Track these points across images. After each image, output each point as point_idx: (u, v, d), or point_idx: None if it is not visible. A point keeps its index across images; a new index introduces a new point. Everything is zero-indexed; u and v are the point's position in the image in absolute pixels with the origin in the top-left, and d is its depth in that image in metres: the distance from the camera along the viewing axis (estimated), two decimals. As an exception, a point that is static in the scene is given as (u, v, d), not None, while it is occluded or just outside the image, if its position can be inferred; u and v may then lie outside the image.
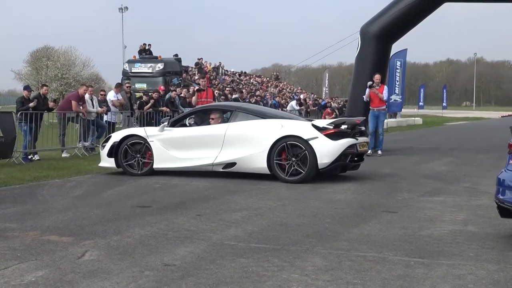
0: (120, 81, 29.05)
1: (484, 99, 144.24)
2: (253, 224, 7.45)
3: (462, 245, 6.42)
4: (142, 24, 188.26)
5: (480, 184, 11.43)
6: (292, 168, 11.32)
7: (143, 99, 21.05)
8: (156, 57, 38.02)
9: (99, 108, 18.18)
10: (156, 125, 17.87)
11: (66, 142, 17.10)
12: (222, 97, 26.59)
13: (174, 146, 12.24)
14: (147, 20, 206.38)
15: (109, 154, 12.61)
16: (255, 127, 11.78)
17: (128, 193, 10.05)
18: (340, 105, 38.19)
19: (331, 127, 11.50)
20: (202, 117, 13.06)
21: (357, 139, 11.71)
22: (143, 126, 18.57)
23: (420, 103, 56.42)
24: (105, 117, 18.82)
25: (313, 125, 11.55)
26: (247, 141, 11.70)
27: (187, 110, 18.63)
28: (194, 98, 17.41)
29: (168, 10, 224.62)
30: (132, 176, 12.14)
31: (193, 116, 13.11)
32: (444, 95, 65.13)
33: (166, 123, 12.62)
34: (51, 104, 16.73)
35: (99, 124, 18.23)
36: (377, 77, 17.66)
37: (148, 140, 12.35)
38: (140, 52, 40.18)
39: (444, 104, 65.29)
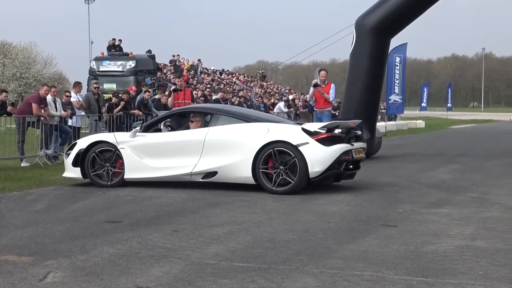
0: (83, 80, 28.95)
1: (494, 99, 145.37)
2: (237, 241, 7.44)
3: (470, 262, 6.45)
4: (111, 16, 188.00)
5: (489, 194, 11.49)
6: (280, 177, 11.33)
7: (113, 101, 21.01)
8: (127, 54, 37.98)
9: (63, 112, 18.11)
10: (127, 130, 17.85)
11: (25, 149, 17.01)
12: (201, 98, 26.62)
13: (147, 154, 12.21)
14: (116, 12, 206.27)
15: (75, 163, 12.56)
16: (238, 132, 11.79)
17: (95, 207, 10.01)
18: (335, 106, 38.27)
19: (323, 131, 11.52)
20: (179, 121, 13.05)
21: (352, 145, 11.73)
22: (113, 131, 18.54)
23: (423, 104, 56.72)
24: (69, 122, 18.75)
25: (303, 129, 11.56)
26: (229, 147, 11.70)
27: (161, 113, 18.63)
28: (170, 99, 17.41)
29: (140, 1, 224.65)
30: (101, 188, 12.09)
31: (168, 120, 13.09)
32: (449, 94, 65.61)
33: (139, 128, 12.58)
34: (9, 108, 16.64)
35: (63, 130, 18.16)
36: (323, 73, 17.79)
37: (118, 147, 12.32)
38: (109, 48, 40.09)
39: (449, 105, 65.77)
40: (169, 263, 6.36)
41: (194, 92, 30.89)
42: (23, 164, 16.54)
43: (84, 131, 20.18)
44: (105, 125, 19.98)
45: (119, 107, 20.39)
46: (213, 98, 28.79)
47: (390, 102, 32.47)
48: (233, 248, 7.04)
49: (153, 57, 39.03)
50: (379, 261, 6.45)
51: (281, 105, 33.18)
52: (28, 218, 8.97)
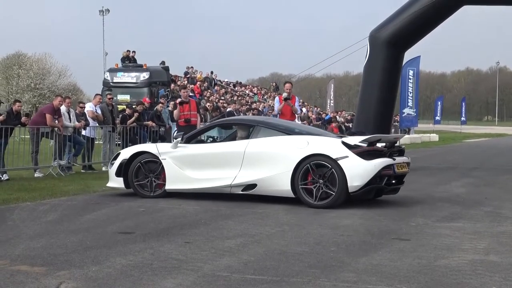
0: (100, 92, 29.10)
1: (508, 113, 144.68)
2: (249, 253, 7.44)
3: (484, 276, 6.41)
4: (125, 28, 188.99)
5: (503, 208, 11.44)
6: (320, 191, 11.13)
7: (126, 112, 21.09)
8: (141, 66, 38.07)
9: (77, 122, 18.18)
10: (140, 142, 17.94)
11: (39, 160, 17.07)
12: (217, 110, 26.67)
13: (188, 165, 12.20)
14: (131, 24, 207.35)
15: (118, 173, 12.62)
16: (278, 144, 11.69)
17: (108, 218, 10.03)
18: (348, 119, 38.26)
19: (364, 144, 11.32)
20: (221, 132, 13.15)
21: (394, 159, 11.54)
22: (126, 142, 18.65)
23: (437, 118, 56.61)
24: (83, 132, 18.82)
25: (343, 143, 11.36)
26: (269, 159, 11.61)
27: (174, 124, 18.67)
28: (175, 112, 17.52)
29: (154, 13, 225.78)
30: (114, 199, 12.11)
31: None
32: (463, 108, 65.47)
33: (180, 139, 12.58)
34: (23, 119, 16.74)
35: (77, 140, 18.23)
36: (288, 86, 17.66)
37: (160, 157, 12.34)
38: (123, 59, 40.26)
39: (463, 118, 65.63)
40: (181, 274, 6.36)
41: (208, 104, 30.97)
42: (36, 175, 16.61)
43: (97, 142, 20.25)
44: (118, 136, 20.05)
45: (133, 119, 20.46)
46: (227, 110, 28.85)
47: (403, 115, 32.44)
48: (245, 260, 7.04)
49: (167, 69, 39.14)
50: (392, 274, 6.43)
51: (294, 117, 33.16)
52: (41, 228, 9.00)
